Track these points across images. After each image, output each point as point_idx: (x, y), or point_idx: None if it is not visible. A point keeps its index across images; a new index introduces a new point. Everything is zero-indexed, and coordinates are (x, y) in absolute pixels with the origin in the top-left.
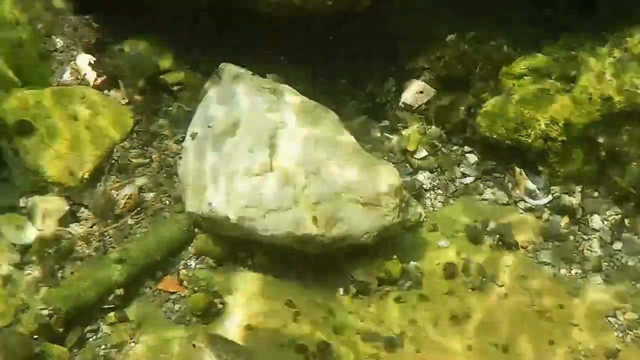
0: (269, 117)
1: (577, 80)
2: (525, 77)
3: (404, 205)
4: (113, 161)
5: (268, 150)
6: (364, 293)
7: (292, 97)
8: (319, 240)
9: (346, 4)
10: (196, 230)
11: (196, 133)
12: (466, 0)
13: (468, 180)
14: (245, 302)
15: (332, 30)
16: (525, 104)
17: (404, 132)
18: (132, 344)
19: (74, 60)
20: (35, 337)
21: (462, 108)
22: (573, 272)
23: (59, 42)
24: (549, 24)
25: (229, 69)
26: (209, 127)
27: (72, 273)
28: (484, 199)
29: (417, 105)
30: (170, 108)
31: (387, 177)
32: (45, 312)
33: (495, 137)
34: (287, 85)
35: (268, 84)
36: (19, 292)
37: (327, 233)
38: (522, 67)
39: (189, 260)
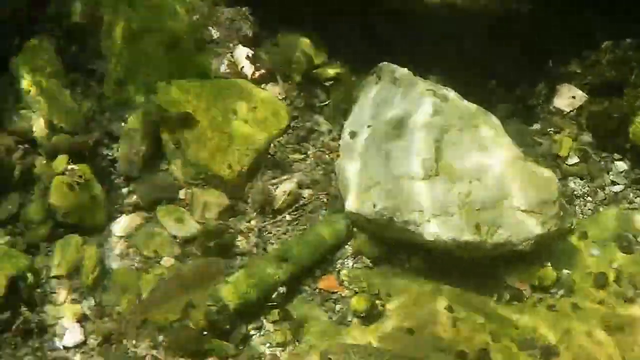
0: (434, 121)
1: None
2: None
3: (562, 213)
4: (270, 156)
5: (434, 154)
6: (518, 300)
7: (456, 100)
8: (480, 247)
9: (509, 6)
10: (354, 230)
11: (355, 132)
12: (624, 6)
13: (617, 188)
14: (404, 305)
15: (485, 31)
16: None
17: (555, 137)
18: (296, 343)
19: (232, 53)
20: (204, 332)
21: (616, 115)
22: None
23: (215, 33)
24: None
25: (390, 68)
26: (368, 126)
27: (238, 269)
28: (634, 208)
29: (568, 110)
30: (325, 104)
31: (548, 185)
32: (214, 308)
33: None
34: (449, 88)
35: (431, 86)
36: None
37: (489, 240)
38: None
39: (346, 260)
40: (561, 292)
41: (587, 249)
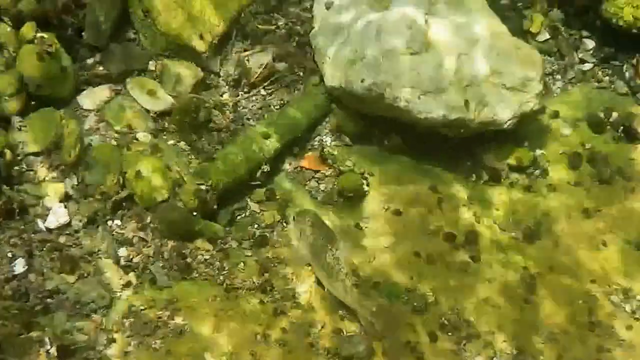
0: None
1: None
2: None
3: (544, 91)
4: (240, 26)
5: (425, 27)
6: (496, 180)
7: None
8: (467, 124)
9: None
10: (333, 105)
11: (332, 2)
12: None
13: (587, 66)
14: (388, 184)
15: None
16: None
17: (525, 12)
18: (284, 224)
19: None
20: (194, 213)
21: None
22: None
23: None
24: None
25: None
26: None
27: (219, 147)
28: (602, 87)
29: None
30: None
31: (533, 62)
32: (203, 187)
33: (621, 24)
34: None
35: None
36: (172, 165)
37: (477, 118)
38: None
39: (324, 137)
40: (537, 172)
41: (558, 129)
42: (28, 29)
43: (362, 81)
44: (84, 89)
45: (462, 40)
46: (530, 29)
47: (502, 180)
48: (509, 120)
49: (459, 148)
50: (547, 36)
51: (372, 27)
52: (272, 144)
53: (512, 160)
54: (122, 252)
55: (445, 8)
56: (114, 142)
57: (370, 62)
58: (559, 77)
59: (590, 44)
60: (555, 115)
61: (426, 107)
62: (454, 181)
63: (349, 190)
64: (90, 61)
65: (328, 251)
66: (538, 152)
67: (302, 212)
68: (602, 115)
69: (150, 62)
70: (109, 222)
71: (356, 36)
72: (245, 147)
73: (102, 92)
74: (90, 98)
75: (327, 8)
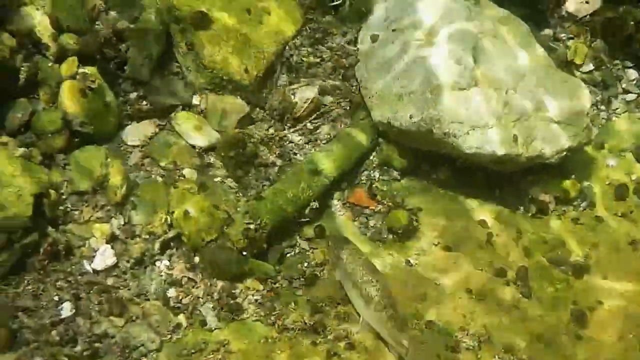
0: (468, 27)
1: None
2: None
3: (591, 124)
4: (285, 59)
5: (472, 63)
6: (543, 212)
7: (487, 5)
8: (516, 159)
9: None
10: (380, 140)
11: (377, 36)
12: None
13: (630, 97)
14: (437, 220)
15: None
16: None
17: (569, 44)
18: None
19: None
20: (243, 253)
21: (631, 22)
22: None
23: None
24: None
25: None
26: (393, 30)
27: (266, 182)
28: None
29: (581, 16)
30: (338, 3)
31: (581, 96)
32: (252, 226)
33: None
34: None
35: None
36: (220, 204)
37: (525, 153)
38: None
39: (372, 172)
40: (584, 204)
41: (604, 160)
42: (70, 65)
43: (410, 117)
44: (127, 124)
45: (510, 74)
46: (575, 60)
47: (550, 212)
48: (556, 154)
49: (506, 181)
50: (591, 67)
51: (420, 62)
52: (320, 180)
53: (558, 193)
54: (171, 293)
55: (492, 42)
56: (159, 179)
57: (419, 98)
58: (603, 107)
59: (633, 74)
60: (601, 146)
61: (475, 143)
62: (502, 215)
63: (399, 226)
64: (133, 96)
65: (369, 281)
66: (585, 183)
67: (337, 239)
68: None
69: (195, 97)
70: (157, 263)
71: (403, 71)
72: (293, 184)
73: (146, 128)
74: (135, 134)
75: (373, 41)
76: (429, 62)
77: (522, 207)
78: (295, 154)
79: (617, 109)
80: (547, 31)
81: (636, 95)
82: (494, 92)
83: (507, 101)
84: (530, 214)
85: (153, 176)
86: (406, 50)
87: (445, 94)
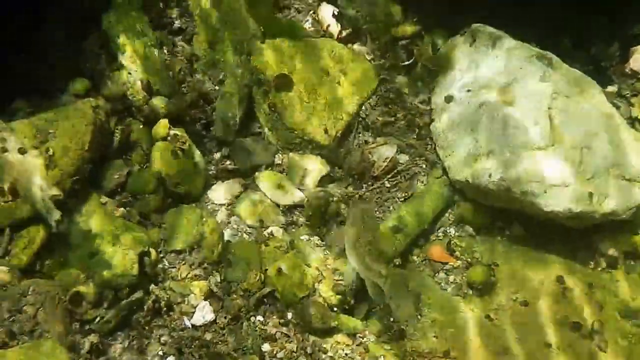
0: (543, 88)
1: None
2: None
3: None
4: (361, 119)
5: (548, 122)
6: (613, 267)
7: (560, 65)
8: (591, 216)
9: None
10: (456, 197)
11: (452, 96)
12: None
13: None
14: (513, 275)
15: None
16: None
17: (633, 100)
18: (418, 317)
19: (315, 10)
20: (334, 309)
21: None
22: None
23: None
24: None
25: (485, 30)
26: (468, 91)
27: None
28: None
29: None
30: (409, 63)
31: None
32: (342, 282)
33: None
34: (550, 52)
35: (533, 50)
36: (311, 261)
37: (599, 209)
38: None
39: (448, 228)
40: None
41: None
42: (161, 127)
43: (489, 176)
44: (213, 183)
45: (584, 133)
46: (639, 117)
47: (619, 267)
48: (628, 210)
49: (577, 236)
50: None
51: (498, 121)
52: (402, 238)
53: (628, 247)
54: (266, 347)
55: (566, 102)
56: (246, 237)
57: (498, 157)
58: None
59: None
60: None
61: (552, 201)
62: (575, 270)
63: (478, 282)
64: (217, 155)
65: (350, 224)
66: None
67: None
68: None
69: (277, 156)
70: (252, 319)
71: (481, 130)
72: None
73: (231, 187)
74: (221, 192)
75: (448, 102)
76: (507, 122)
77: (592, 262)
78: (375, 211)
79: None
80: (611, 88)
81: None
82: (570, 151)
83: (582, 159)
84: (600, 269)
85: (240, 234)
86: (483, 111)
87: (525, 154)
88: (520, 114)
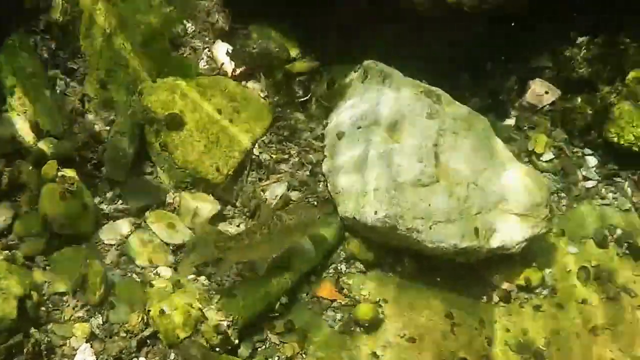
0: (429, 124)
1: None
2: None
3: (550, 214)
4: (255, 157)
5: (434, 160)
6: (506, 301)
7: (448, 101)
8: (478, 251)
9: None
10: (346, 233)
11: (343, 133)
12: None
13: (590, 183)
14: (402, 311)
15: (454, 28)
16: None
17: (529, 133)
18: (303, 355)
19: (209, 49)
20: (216, 349)
21: (589, 111)
22: None
23: (190, 27)
24: None
25: (377, 67)
26: (358, 128)
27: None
28: (606, 204)
29: (541, 106)
30: (305, 99)
31: (540, 187)
32: (225, 323)
33: (623, 143)
34: (438, 88)
35: (421, 86)
36: (194, 301)
37: (486, 245)
38: None
39: (339, 265)
40: (545, 292)
41: (565, 247)
42: (49, 168)
43: (375, 213)
44: (105, 223)
45: (470, 169)
46: (535, 149)
47: (512, 301)
48: (517, 244)
49: (470, 271)
50: (552, 156)
51: (383, 159)
52: (289, 276)
53: (520, 281)
54: None
55: (453, 139)
56: (135, 277)
57: (383, 195)
58: (564, 195)
59: (593, 161)
60: (562, 233)
61: (437, 237)
62: (466, 305)
63: (365, 320)
64: (109, 195)
65: None
66: (546, 271)
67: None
68: (606, 232)
69: (169, 195)
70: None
71: (367, 168)
72: (263, 280)
73: (122, 227)
74: (111, 232)
75: (339, 138)
76: (392, 159)
77: (484, 297)
78: None
79: (577, 195)
80: (509, 121)
81: (596, 182)
82: (455, 187)
83: (468, 195)
84: (493, 303)
85: (129, 274)
86: (370, 148)
87: (408, 191)
88: (405, 151)
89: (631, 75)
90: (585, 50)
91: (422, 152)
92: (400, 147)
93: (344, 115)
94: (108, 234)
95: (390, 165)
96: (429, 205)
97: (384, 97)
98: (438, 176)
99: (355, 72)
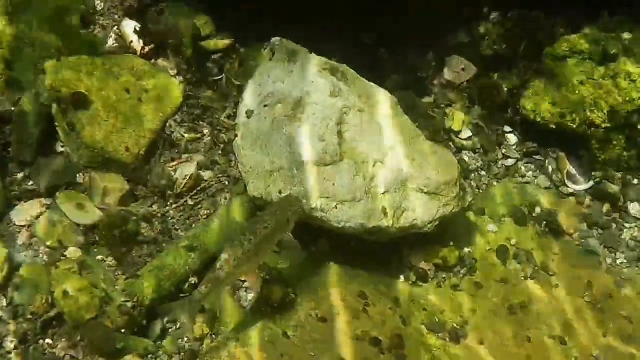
0: (333, 102)
1: (619, 63)
2: (567, 59)
3: (462, 193)
4: (166, 136)
5: (337, 138)
6: (423, 280)
7: (353, 78)
8: (387, 231)
9: None
10: (258, 213)
11: (252, 111)
12: None
13: (510, 162)
14: (314, 291)
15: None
16: (570, 89)
17: (447, 110)
18: (213, 336)
19: (118, 26)
20: (122, 330)
21: (505, 88)
22: (618, 261)
23: (99, 4)
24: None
25: (284, 44)
26: (265, 106)
27: (149, 259)
28: (525, 182)
29: (458, 83)
30: (219, 78)
31: (449, 165)
32: (129, 304)
33: (539, 120)
34: (344, 65)
35: (327, 63)
36: (99, 282)
37: (395, 224)
38: (565, 49)
39: None
40: (464, 270)
41: (484, 225)
42: None
43: (279, 192)
44: (15, 204)
45: (376, 147)
46: (452, 127)
47: (430, 280)
48: (428, 223)
49: (386, 251)
50: (470, 133)
51: (286, 138)
52: (197, 256)
53: (438, 260)
54: None
55: (358, 116)
56: (45, 258)
57: (286, 174)
58: (483, 173)
59: (513, 139)
60: (481, 212)
61: (343, 217)
62: (381, 285)
63: (274, 300)
64: (20, 176)
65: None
66: (465, 250)
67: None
68: (526, 210)
69: (79, 175)
70: (40, 341)
71: (272, 147)
72: (169, 261)
73: (32, 207)
74: (21, 213)
75: (248, 117)
76: (294, 138)
77: (401, 276)
78: (177, 229)
79: (496, 173)
80: (427, 99)
81: (515, 160)
82: (361, 166)
83: (374, 174)
84: (410, 282)
85: (40, 255)
86: (274, 126)
87: (310, 170)
88: (307, 130)
89: (546, 50)
90: (499, 26)
91: (324, 131)
92: (302, 125)
93: (252, 93)
94: (19, 215)
95: (292, 144)
96: (333, 184)
97: (289, 74)
98: (342, 155)
99: (264, 49)
